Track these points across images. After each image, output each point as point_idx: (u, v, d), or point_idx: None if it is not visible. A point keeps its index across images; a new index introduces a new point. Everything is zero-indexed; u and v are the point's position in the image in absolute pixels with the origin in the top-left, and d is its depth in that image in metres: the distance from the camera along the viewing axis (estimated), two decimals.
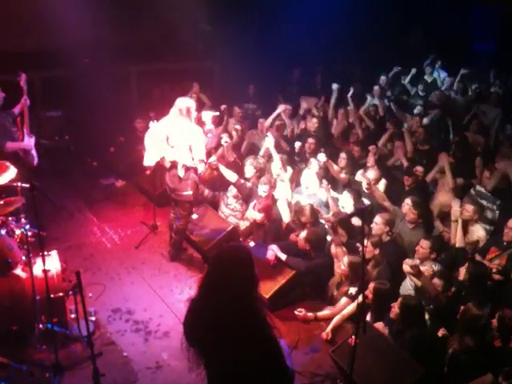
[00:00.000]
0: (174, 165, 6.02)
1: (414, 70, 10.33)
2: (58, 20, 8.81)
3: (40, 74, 9.18)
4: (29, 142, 6.16)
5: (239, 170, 7.20)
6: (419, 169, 6.72)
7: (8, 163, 5.07)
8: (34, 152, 6.23)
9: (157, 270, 6.31)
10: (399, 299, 4.68)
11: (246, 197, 6.90)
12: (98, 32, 9.48)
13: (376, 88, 9.83)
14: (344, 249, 5.60)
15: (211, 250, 6.40)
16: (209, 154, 6.79)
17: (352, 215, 5.48)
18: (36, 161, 6.26)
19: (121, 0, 10.09)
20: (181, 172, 5.99)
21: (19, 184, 5.04)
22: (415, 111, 9.16)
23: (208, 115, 6.22)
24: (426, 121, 8.60)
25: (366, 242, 4.21)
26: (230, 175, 6.88)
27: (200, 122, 6.20)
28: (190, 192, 6.07)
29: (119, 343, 5.01)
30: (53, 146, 8.63)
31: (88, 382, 4.03)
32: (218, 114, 6.84)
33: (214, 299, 2.70)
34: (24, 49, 9.49)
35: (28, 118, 6.17)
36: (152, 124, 6.00)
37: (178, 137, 5.86)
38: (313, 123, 8.58)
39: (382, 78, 10.26)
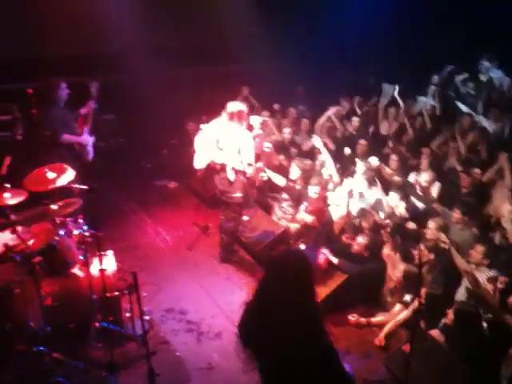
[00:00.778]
0: (223, 168, 6.08)
1: (466, 74, 9.99)
2: (111, 25, 9.05)
3: (95, 78, 9.43)
4: (87, 138, 6.43)
5: (286, 173, 7.22)
6: (477, 171, 6.51)
7: (66, 165, 5.22)
8: (90, 148, 6.48)
9: (208, 271, 6.37)
10: (454, 306, 4.55)
11: (297, 199, 6.88)
12: (151, 37, 9.67)
13: (432, 87, 9.58)
14: (398, 254, 5.49)
15: (262, 252, 6.43)
16: (257, 158, 6.81)
17: (407, 219, 5.37)
18: (91, 156, 6.48)
19: (173, 5, 10.25)
20: (230, 175, 6.04)
21: (77, 186, 5.17)
22: (465, 110, 8.85)
23: (256, 120, 6.23)
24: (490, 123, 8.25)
25: (421, 246, 4.15)
26: (279, 179, 6.88)
27: (248, 127, 6.23)
28: (240, 194, 6.13)
29: (172, 343, 5.09)
30: (108, 148, 8.86)
31: (143, 381, 4.10)
32: (266, 119, 6.81)
33: (271, 303, 2.69)
34: (80, 53, 9.78)
35: (91, 120, 6.49)
36: (203, 127, 6.07)
37: (227, 140, 5.92)
38: (354, 123, 8.52)
39: (435, 77, 10.00)
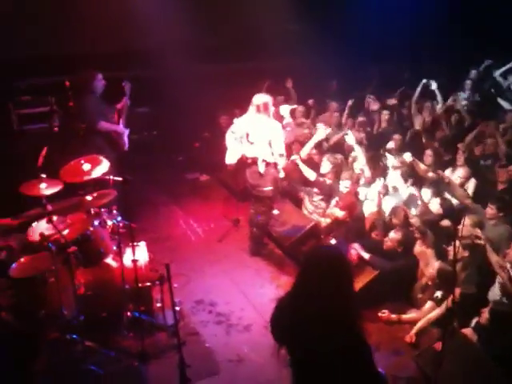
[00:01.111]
0: (254, 161, 6.09)
1: (510, 64, 9.72)
2: (147, 22, 9.13)
3: (130, 73, 9.56)
4: (123, 128, 6.57)
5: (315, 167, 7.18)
6: None
7: (101, 157, 5.31)
8: (126, 138, 6.59)
9: (238, 263, 6.40)
10: (490, 305, 4.46)
11: (327, 194, 6.85)
12: (184, 32, 9.72)
13: (468, 82, 9.40)
14: (432, 251, 5.41)
15: (292, 247, 6.43)
16: (288, 148, 6.80)
17: (443, 217, 5.27)
18: (127, 146, 6.59)
19: (205, 1, 10.29)
20: (261, 167, 6.05)
21: (112, 177, 5.25)
22: (507, 106, 8.63)
23: (286, 109, 6.22)
24: None
25: (454, 243, 4.07)
26: (309, 173, 6.85)
27: (278, 117, 6.23)
28: (270, 188, 6.14)
29: (202, 334, 5.14)
30: (141, 141, 8.97)
31: (173, 371, 4.15)
32: (295, 106, 6.76)
33: (308, 298, 2.68)
34: (116, 49, 9.92)
35: (125, 114, 6.64)
36: (235, 121, 6.10)
37: (257, 133, 5.94)
38: (384, 115, 8.50)
39: (473, 72, 9.78)
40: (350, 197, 6.41)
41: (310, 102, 8.96)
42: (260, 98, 5.98)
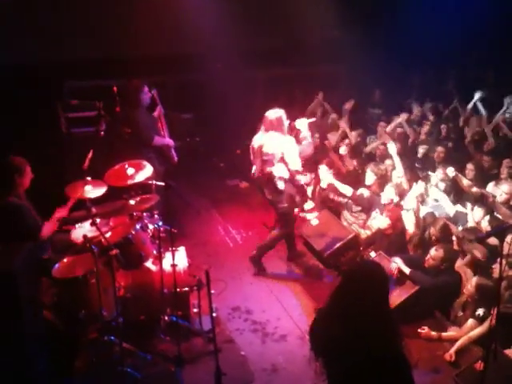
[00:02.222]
0: (271, 177, 6.00)
1: None
2: (190, 26, 9.26)
3: (173, 78, 9.72)
4: (171, 140, 6.61)
5: (358, 179, 7.11)
6: None
7: (145, 162, 5.39)
8: (173, 151, 6.62)
9: (275, 272, 6.39)
10: None
11: (367, 207, 6.77)
12: (229, 37, 9.81)
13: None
14: (473, 268, 5.27)
15: (330, 257, 6.36)
16: (307, 161, 6.72)
17: (491, 234, 5.12)
18: (176, 159, 6.63)
19: (251, 6, 10.36)
20: (280, 184, 5.95)
21: (154, 182, 5.33)
22: None
23: (303, 122, 6.06)
24: None
25: (501, 261, 3.95)
26: (345, 189, 6.81)
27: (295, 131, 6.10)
28: (285, 205, 6.05)
29: (237, 341, 5.13)
30: (184, 147, 9.09)
31: (208, 378, 4.16)
32: (314, 120, 6.65)
33: (347, 312, 2.69)
34: (162, 53, 10.10)
35: (165, 123, 6.65)
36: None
37: (270, 149, 5.85)
38: (425, 127, 8.36)
39: None
40: (396, 209, 6.30)
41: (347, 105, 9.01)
42: (273, 114, 5.88)
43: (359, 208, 6.85)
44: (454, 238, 5.68)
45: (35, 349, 3.98)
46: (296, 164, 5.87)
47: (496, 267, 4.95)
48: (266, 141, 5.89)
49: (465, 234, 5.62)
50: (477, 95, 8.61)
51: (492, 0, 9.83)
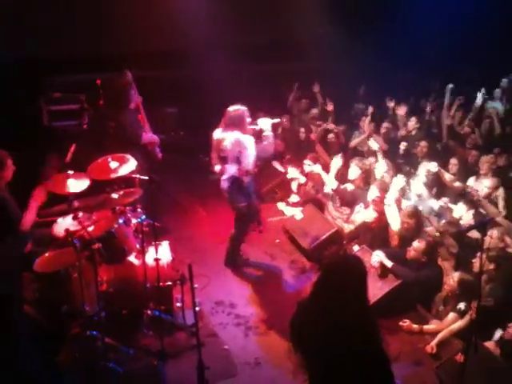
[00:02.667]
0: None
1: None
2: (176, 22, 9.21)
3: (158, 73, 9.67)
4: (155, 137, 6.47)
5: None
6: None
7: (129, 156, 5.36)
8: (157, 148, 6.52)
9: (259, 266, 6.40)
10: None
11: (350, 201, 6.80)
12: (215, 33, 9.78)
13: (497, 91, 9.24)
14: (452, 261, 5.33)
15: (314, 251, 6.40)
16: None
17: (472, 228, 5.18)
18: (160, 156, 6.52)
19: (237, 2, 10.34)
20: (226, 183, 5.83)
21: (138, 176, 5.30)
22: None
23: (266, 122, 5.85)
24: None
25: (481, 255, 4.01)
26: (331, 182, 6.81)
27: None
28: (243, 204, 5.88)
29: (221, 335, 5.14)
30: (168, 141, 9.05)
31: (191, 372, 4.16)
32: (278, 120, 6.38)
33: (326, 305, 2.72)
34: (145, 49, 10.04)
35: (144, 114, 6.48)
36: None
37: (227, 146, 5.66)
38: (412, 124, 8.33)
39: (504, 81, 9.61)
40: (382, 202, 6.34)
41: (330, 107, 9.01)
42: (234, 110, 5.68)
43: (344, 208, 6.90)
44: (435, 232, 5.72)
45: (28, 348, 3.94)
46: (248, 165, 5.65)
47: (476, 261, 5.02)
48: (224, 137, 5.70)
49: (446, 228, 5.68)
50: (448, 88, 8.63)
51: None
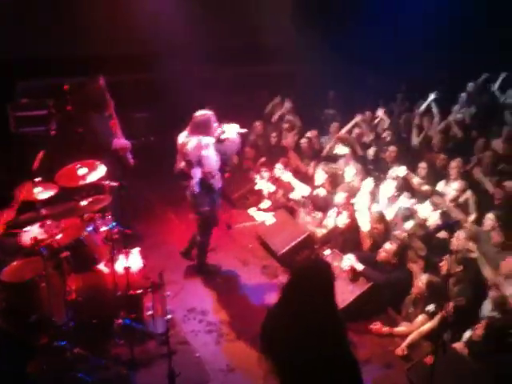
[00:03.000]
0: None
1: (503, 75, 9.75)
2: (147, 25, 9.17)
3: (129, 77, 9.60)
4: (127, 142, 6.37)
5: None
6: (509, 184, 6.34)
7: (98, 162, 5.29)
8: (129, 154, 6.40)
9: (231, 273, 6.37)
10: (485, 321, 4.46)
11: (323, 206, 6.85)
12: (184, 35, 9.76)
13: (463, 95, 9.46)
14: (421, 264, 5.42)
15: (286, 256, 6.41)
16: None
17: (439, 229, 5.26)
18: (132, 162, 6.40)
19: (208, 4, 10.35)
20: (196, 188, 5.73)
21: (107, 182, 5.23)
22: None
23: (232, 128, 5.84)
24: None
25: (449, 257, 4.07)
26: (303, 188, 6.86)
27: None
28: (207, 208, 5.84)
29: (192, 343, 5.11)
30: (138, 146, 8.97)
31: (162, 380, 4.13)
32: (245, 131, 6.27)
33: (295, 310, 2.73)
34: (114, 52, 9.96)
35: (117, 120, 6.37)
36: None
37: (191, 151, 5.60)
38: (384, 130, 8.42)
39: (470, 85, 9.83)
40: (352, 207, 6.41)
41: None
42: (200, 115, 5.65)
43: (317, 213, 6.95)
44: (403, 235, 5.80)
45: None
46: (210, 166, 5.63)
47: (444, 264, 5.10)
48: (188, 141, 5.65)
49: (414, 231, 5.76)
50: (431, 96, 8.80)
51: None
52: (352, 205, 6.49)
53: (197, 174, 5.69)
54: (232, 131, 5.81)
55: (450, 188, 6.62)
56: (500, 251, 5.45)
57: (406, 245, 5.65)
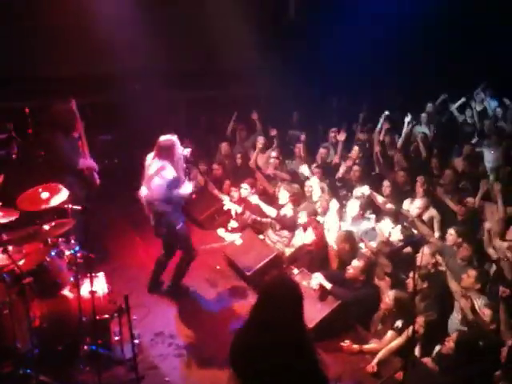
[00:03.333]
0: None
1: (463, 99, 10.13)
2: (109, 47, 9.15)
3: (91, 99, 9.51)
4: (93, 163, 6.31)
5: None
6: (470, 200, 6.52)
7: (60, 186, 5.19)
8: (96, 174, 6.34)
9: (200, 295, 6.30)
10: (455, 334, 4.53)
11: (291, 226, 6.90)
12: (148, 59, 9.77)
13: (423, 115, 9.75)
14: (388, 281, 5.49)
15: (254, 276, 6.40)
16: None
17: (404, 246, 5.35)
18: (98, 181, 6.33)
19: (169, 28, 10.41)
20: (161, 207, 5.67)
21: (70, 206, 5.14)
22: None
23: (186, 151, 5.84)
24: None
25: (414, 274, 4.13)
26: (270, 210, 6.93)
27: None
28: (181, 223, 5.82)
29: (161, 367, 5.01)
30: (102, 169, 8.86)
31: None
32: (189, 150, 6.04)
33: (263, 330, 2.71)
34: (76, 74, 9.88)
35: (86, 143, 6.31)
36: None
37: (150, 172, 5.61)
38: (355, 151, 8.48)
39: (429, 105, 10.15)
40: (320, 226, 6.47)
41: (273, 133, 9.14)
42: (164, 140, 5.61)
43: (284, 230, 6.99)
44: (369, 253, 5.87)
45: None
46: (157, 194, 5.57)
47: (409, 281, 5.17)
48: (151, 164, 5.64)
49: (379, 248, 5.85)
50: (384, 114, 8.97)
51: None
52: (319, 223, 6.56)
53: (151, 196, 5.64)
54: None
55: (413, 206, 6.76)
56: (466, 265, 5.56)
57: (372, 262, 5.73)
